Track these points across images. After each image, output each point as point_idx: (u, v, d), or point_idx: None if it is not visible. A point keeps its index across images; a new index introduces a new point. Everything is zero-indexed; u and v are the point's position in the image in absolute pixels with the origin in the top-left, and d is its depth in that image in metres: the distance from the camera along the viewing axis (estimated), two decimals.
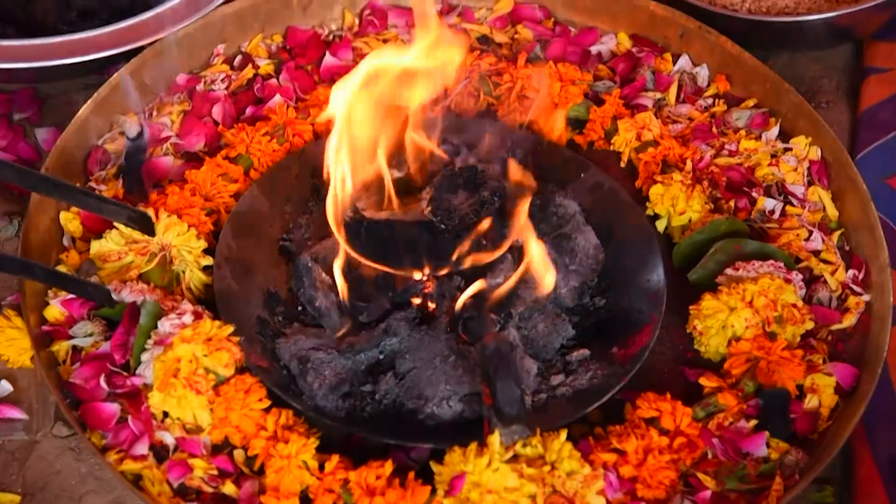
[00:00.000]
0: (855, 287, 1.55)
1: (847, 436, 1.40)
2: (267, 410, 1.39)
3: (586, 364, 1.49)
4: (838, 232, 1.61)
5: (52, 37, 1.70)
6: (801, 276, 1.53)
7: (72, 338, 1.46)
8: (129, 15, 1.74)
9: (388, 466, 1.34)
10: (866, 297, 1.54)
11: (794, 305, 1.48)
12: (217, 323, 1.42)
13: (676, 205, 1.60)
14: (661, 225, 1.62)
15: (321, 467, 1.35)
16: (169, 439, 1.38)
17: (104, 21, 1.74)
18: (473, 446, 1.31)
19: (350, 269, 1.51)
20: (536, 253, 1.46)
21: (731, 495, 1.35)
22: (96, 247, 1.51)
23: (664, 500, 1.35)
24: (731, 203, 1.62)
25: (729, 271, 1.51)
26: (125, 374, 1.41)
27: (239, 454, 1.38)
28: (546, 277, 1.47)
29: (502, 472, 1.29)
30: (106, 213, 1.50)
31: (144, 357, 1.41)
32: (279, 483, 1.33)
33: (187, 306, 1.45)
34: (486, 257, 1.49)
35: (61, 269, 1.53)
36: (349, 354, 1.46)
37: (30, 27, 1.78)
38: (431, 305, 1.50)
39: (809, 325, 1.49)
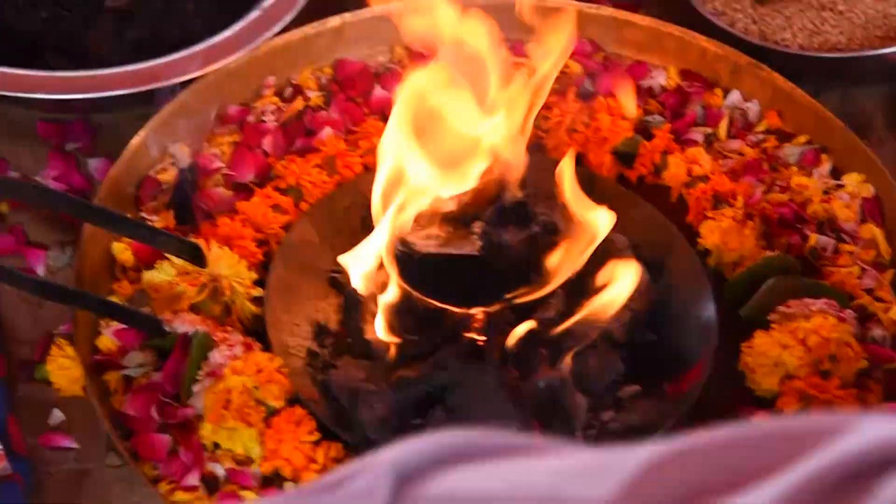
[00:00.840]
0: None
1: None
2: (317, 443, 1.39)
3: (637, 400, 1.48)
4: (892, 270, 1.60)
5: (104, 68, 1.71)
6: (854, 315, 1.51)
7: (124, 368, 1.46)
8: (182, 46, 1.75)
9: None
10: None
11: (848, 344, 1.47)
12: (268, 355, 1.42)
13: (728, 241, 1.59)
14: (711, 261, 1.62)
15: None
16: (220, 471, 1.38)
17: (157, 52, 1.75)
18: None
19: (399, 302, 1.52)
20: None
21: None
22: (148, 277, 1.52)
23: None
24: (783, 240, 1.61)
25: (781, 309, 1.50)
26: (176, 404, 1.42)
27: (289, 487, 1.38)
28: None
29: None
30: (157, 243, 1.50)
31: (196, 388, 1.41)
32: None
33: (238, 337, 1.45)
34: (538, 292, 1.49)
35: (113, 299, 1.53)
36: (399, 388, 1.45)
37: (83, 58, 1.79)
38: (481, 339, 1.50)
39: (864, 364, 1.47)
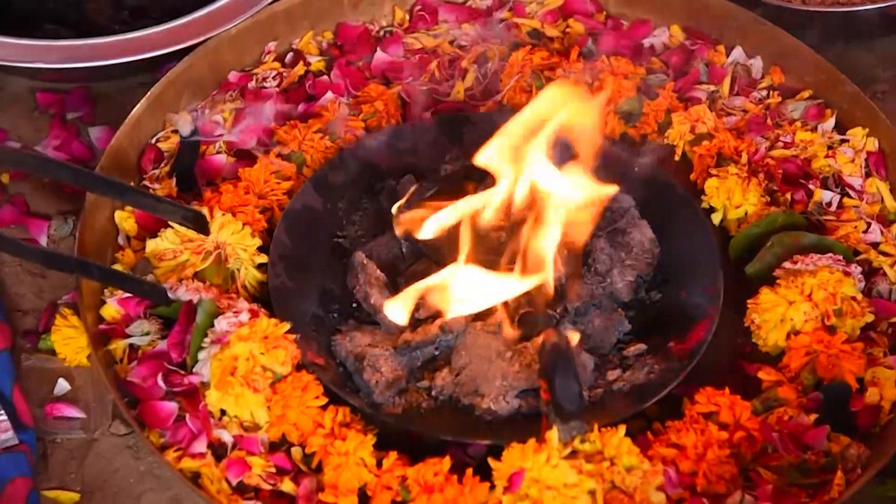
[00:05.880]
0: None
1: None
2: (324, 408, 1.39)
3: (643, 359, 1.48)
4: None
5: (104, 36, 1.70)
6: (859, 269, 1.51)
7: (128, 336, 1.46)
8: (181, 13, 1.74)
9: (446, 463, 1.33)
10: None
11: (854, 298, 1.46)
12: (273, 321, 1.42)
13: (732, 198, 1.59)
14: (716, 218, 1.61)
15: (379, 464, 1.35)
16: (227, 437, 1.38)
17: (156, 20, 1.74)
18: (532, 442, 1.30)
19: (405, 266, 1.52)
20: None
21: (792, 490, 1.34)
22: (152, 245, 1.51)
23: (724, 494, 1.33)
24: (788, 195, 1.60)
25: (787, 264, 1.50)
26: (182, 372, 1.42)
27: (296, 452, 1.38)
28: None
29: (561, 468, 1.28)
30: (160, 211, 1.49)
31: (201, 355, 1.41)
32: (337, 480, 1.33)
33: (243, 304, 1.45)
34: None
35: (117, 267, 1.53)
36: (405, 351, 1.45)
37: (82, 26, 1.78)
38: None
39: (869, 318, 1.47)
